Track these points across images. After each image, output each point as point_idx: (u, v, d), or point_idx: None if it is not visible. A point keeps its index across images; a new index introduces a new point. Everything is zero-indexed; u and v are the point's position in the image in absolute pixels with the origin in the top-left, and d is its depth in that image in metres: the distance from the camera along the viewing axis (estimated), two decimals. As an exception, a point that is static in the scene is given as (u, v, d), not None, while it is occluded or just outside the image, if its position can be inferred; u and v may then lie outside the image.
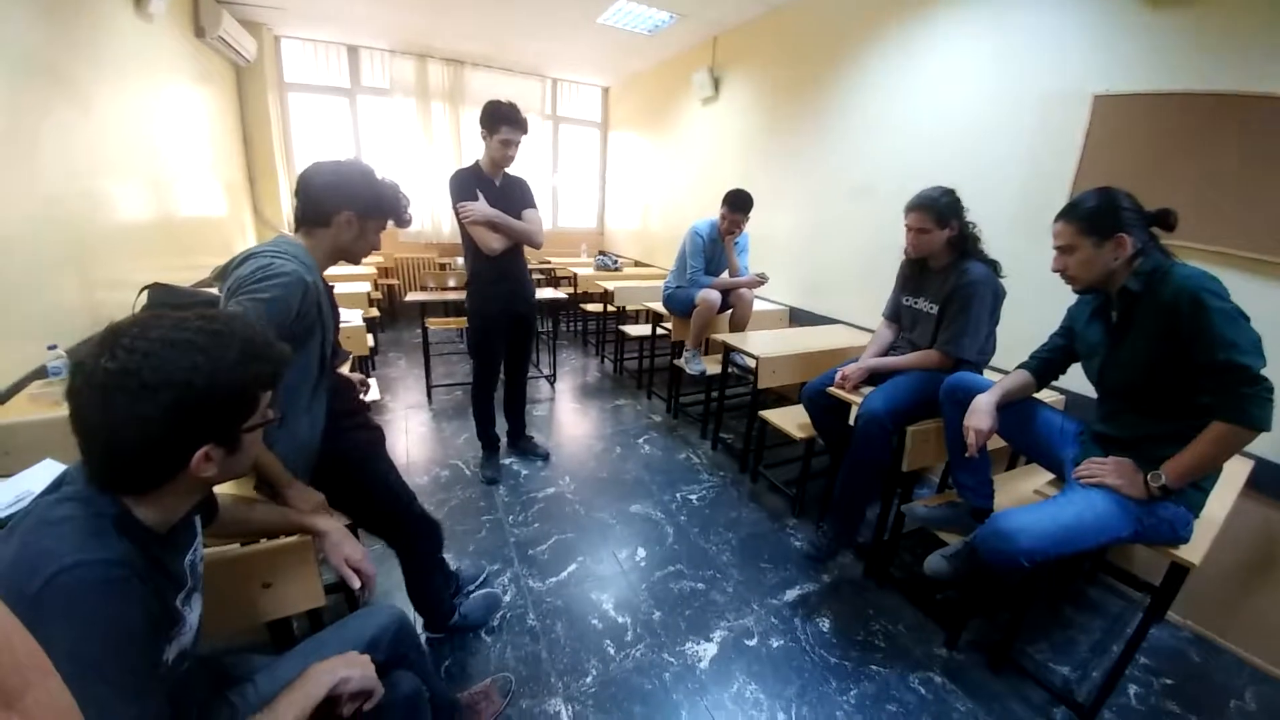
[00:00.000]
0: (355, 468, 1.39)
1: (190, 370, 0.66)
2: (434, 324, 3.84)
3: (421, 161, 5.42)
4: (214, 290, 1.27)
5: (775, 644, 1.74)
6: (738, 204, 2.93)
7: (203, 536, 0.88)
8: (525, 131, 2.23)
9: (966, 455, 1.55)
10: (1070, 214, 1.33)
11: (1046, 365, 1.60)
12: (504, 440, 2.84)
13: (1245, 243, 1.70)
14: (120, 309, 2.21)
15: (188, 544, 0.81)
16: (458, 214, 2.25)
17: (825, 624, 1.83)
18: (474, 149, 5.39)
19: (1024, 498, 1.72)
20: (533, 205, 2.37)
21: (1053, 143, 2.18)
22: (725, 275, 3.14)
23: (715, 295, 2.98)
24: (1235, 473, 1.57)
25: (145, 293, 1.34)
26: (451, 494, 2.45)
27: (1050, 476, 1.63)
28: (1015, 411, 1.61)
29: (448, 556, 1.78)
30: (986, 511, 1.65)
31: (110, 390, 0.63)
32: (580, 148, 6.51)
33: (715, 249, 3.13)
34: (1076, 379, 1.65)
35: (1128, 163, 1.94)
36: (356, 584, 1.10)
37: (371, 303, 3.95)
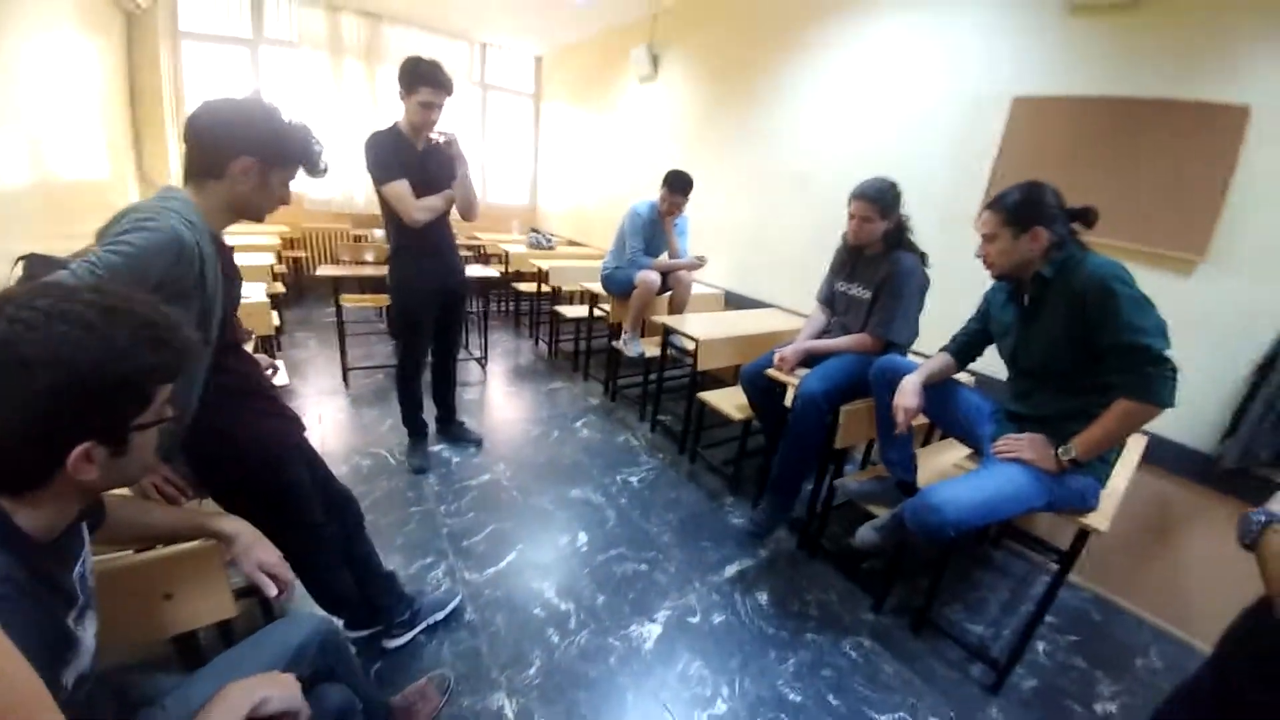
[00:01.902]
0: (263, 467, 1.21)
1: (74, 347, 0.57)
2: (349, 301, 3.54)
3: (333, 125, 4.94)
4: None
5: (717, 620, 1.77)
6: (677, 185, 2.91)
7: (90, 544, 0.74)
8: (449, 92, 2.05)
9: (896, 432, 1.64)
10: (995, 205, 1.42)
11: (965, 348, 1.71)
12: (432, 426, 2.68)
13: (1151, 238, 1.89)
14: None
15: (76, 554, 0.70)
16: (375, 181, 2.05)
17: (763, 597, 1.89)
18: (393, 112, 4.96)
19: (943, 470, 1.85)
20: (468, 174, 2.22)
21: (974, 142, 2.33)
22: (665, 257, 3.13)
23: (655, 276, 2.96)
24: (1133, 448, 1.76)
25: (20, 264, 1.13)
26: (375, 485, 2.28)
27: (967, 451, 1.75)
28: (937, 392, 1.71)
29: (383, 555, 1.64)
30: (910, 485, 1.76)
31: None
32: (511, 119, 6.21)
33: (654, 230, 3.10)
34: (986, 363, 1.79)
35: (1042, 162, 2.09)
36: (273, 591, 0.97)
37: (275, 277, 3.58)
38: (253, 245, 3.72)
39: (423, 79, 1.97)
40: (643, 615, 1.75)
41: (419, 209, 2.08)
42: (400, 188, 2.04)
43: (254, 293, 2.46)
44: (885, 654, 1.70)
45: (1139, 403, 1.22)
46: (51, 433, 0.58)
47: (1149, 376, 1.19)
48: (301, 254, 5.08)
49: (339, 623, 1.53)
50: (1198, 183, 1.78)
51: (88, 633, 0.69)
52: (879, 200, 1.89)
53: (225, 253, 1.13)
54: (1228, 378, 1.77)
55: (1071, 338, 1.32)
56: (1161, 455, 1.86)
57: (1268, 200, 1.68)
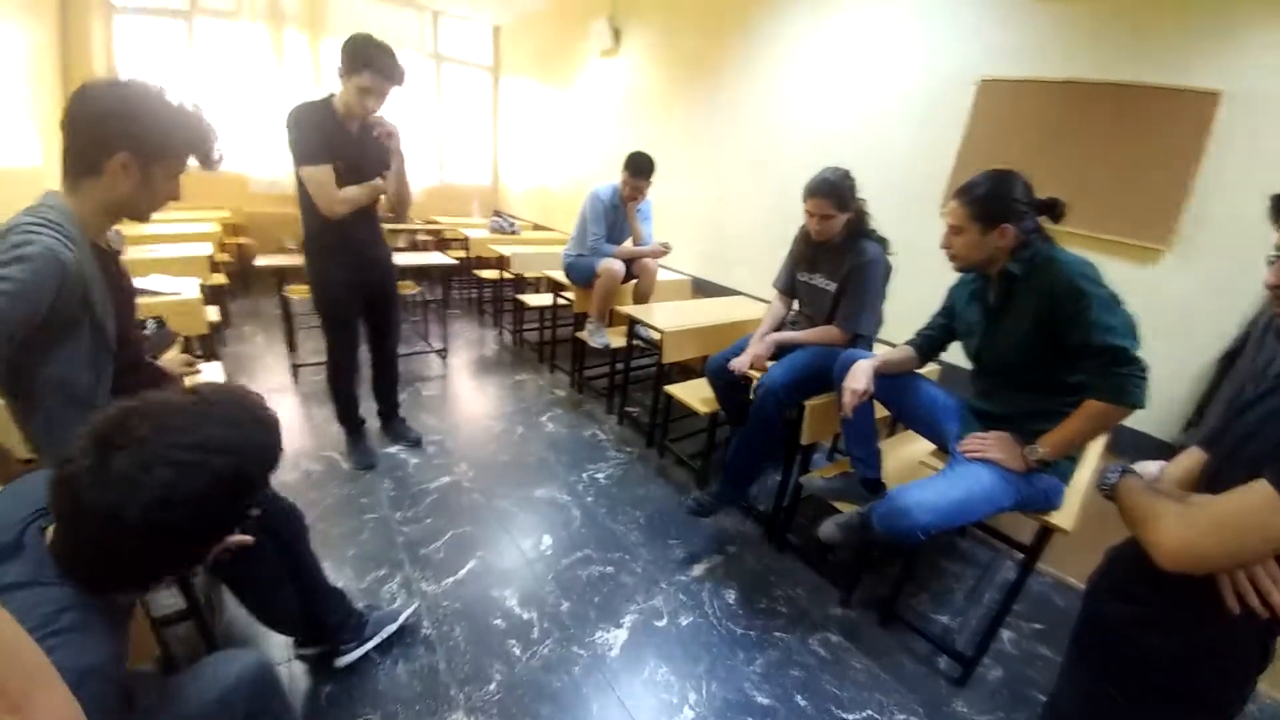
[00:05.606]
0: None
1: (234, 477, 0.68)
2: (296, 293, 3.34)
3: (275, 101, 4.60)
4: None
5: (684, 622, 1.73)
6: (639, 169, 2.79)
7: None
8: (396, 82, 1.84)
9: (841, 415, 1.61)
10: (963, 196, 1.35)
11: (929, 342, 1.67)
12: (377, 423, 2.57)
13: (1116, 227, 1.86)
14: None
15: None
16: (294, 160, 1.86)
17: (731, 595, 1.86)
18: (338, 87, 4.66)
19: (909, 465, 1.83)
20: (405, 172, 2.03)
21: (940, 124, 2.27)
22: (628, 244, 3.02)
23: (618, 265, 2.85)
24: (1097, 441, 1.73)
25: None
26: (326, 491, 2.16)
27: (932, 445, 1.73)
28: (899, 385, 1.67)
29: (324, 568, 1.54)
30: (876, 480, 1.73)
31: (161, 505, 0.61)
32: (469, 93, 5.91)
33: (617, 215, 2.98)
34: (952, 355, 1.75)
35: (1007, 147, 2.06)
36: (250, 540, 0.98)
37: (216, 267, 3.34)
38: (188, 235, 3.45)
39: (366, 62, 1.76)
40: (608, 621, 1.70)
41: (339, 200, 1.89)
42: (320, 174, 1.85)
43: (185, 289, 2.26)
44: (853, 649, 1.69)
45: (1109, 404, 1.19)
46: (204, 544, 0.72)
47: (1120, 377, 1.16)
48: (247, 241, 4.79)
49: (287, 641, 1.47)
50: (1164, 170, 1.76)
51: None
52: (834, 195, 1.82)
53: (110, 263, 1.01)
54: (1192, 368, 1.78)
55: (1039, 337, 1.28)
56: (1125, 445, 1.85)
57: (1235, 188, 1.67)
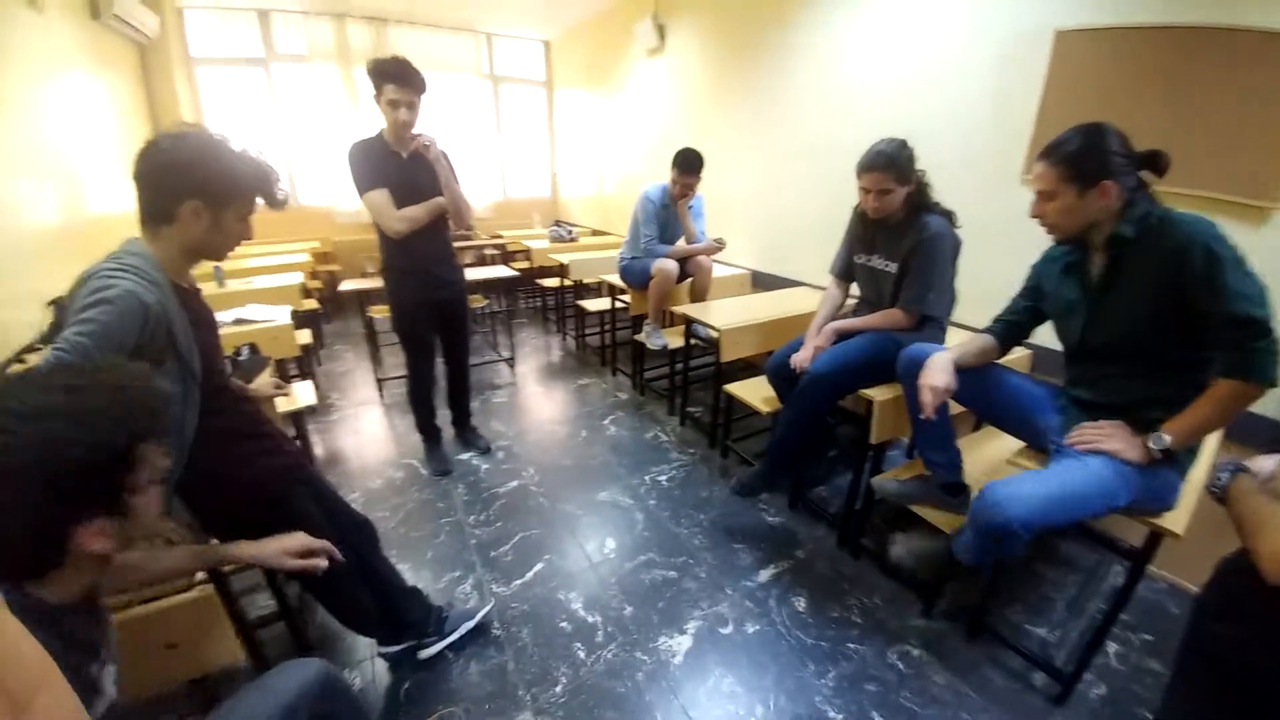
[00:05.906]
0: (268, 506, 1.20)
1: (55, 442, 0.61)
2: (378, 313, 3.59)
3: (348, 132, 4.97)
4: None
5: (750, 630, 1.68)
6: (687, 165, 2.74)
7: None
8: (417, 89, 1.96)
9: (922, 416, 1.44)
10: (1051, 155, 1.18)
11: (1010, 329, 1.50)
12: (451, 431, 2.71)
13: (1217, 184, 1.62)
14: (29, 329, 1.97)
15: (99, 609, 0.77)
16: (356, 188, 2.01)
17: (801, 603, 1.78)
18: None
19: (994, 466, 1.68)
20: (452, 179, 2.14)
21: (1013, 85, 2.06)
22: (681, 242, 2.99)
23: (672, 265, 2.83)
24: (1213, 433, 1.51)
25: (51, 308, 1.16)
26: (407, 497, 2.30)
27: (1017, 443, 1.56)
28: (980, 378, 1.50)
29: (404, 570, 1.63)
30: (956, 484, 1.59)
31: None
32: (525, 109, 6.11)
33: (669, 214, 2.96)
34: (1041, 336, 1.57)
35: (1093, 103, 1.83)
36: (324, 564, 1.08)
37: (308, 293, 3.66)
38: (281, 265, 3.80)
39: (386, 76, 1.90)
40: (672, 627, 1.69)
41: (398, 219, 2.01)
42: (377, 197, 1.99)
43: (278, 315, 2.49)
44: (936, 664, 1.57)
45: (1245, 383, 1.03)
46: (55, 522, 0.63)
47: (1256, 353, 1.00)
48: (335, 267, 5.22)
49: (372, 640, 1.56)
50: (1267, 120, 1.50)
51: (109, 681, 0.73)
52: (892, 167, 1.67)
53: (191, 300, 1.11)
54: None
55: (1162, 309, 1.11)
56: (1239, 431, 1.57)
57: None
